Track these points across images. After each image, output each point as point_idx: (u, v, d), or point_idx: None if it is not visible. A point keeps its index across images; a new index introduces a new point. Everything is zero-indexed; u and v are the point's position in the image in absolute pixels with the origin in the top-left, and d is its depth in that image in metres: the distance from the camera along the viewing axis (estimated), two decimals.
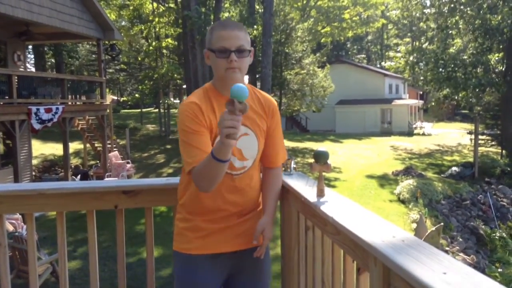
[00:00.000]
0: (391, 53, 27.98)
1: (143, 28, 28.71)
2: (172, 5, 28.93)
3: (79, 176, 15.14)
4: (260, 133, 1.91)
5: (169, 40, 29.28)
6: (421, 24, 26.80)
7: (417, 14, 25.97)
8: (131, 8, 28.98)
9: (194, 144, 1.74)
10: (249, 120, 1.87)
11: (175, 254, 1.97)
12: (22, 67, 14.88)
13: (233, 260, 1.96)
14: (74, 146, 19.78)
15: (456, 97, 23.42)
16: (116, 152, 17.18)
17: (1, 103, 11.04)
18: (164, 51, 31.03)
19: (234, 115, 1.47)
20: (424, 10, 25.30)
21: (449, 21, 22.91)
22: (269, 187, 2.00)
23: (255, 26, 21.90)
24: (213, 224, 1.90)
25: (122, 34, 22.35)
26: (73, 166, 16.54)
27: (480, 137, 20.42)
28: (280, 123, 2.02)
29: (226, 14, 23.52)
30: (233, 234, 1.92)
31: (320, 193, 1.79)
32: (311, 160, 1.83)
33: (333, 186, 15.18)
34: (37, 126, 11.50)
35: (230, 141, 1.50)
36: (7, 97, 11.20)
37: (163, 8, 28.75)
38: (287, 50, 26.14)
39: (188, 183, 1.89)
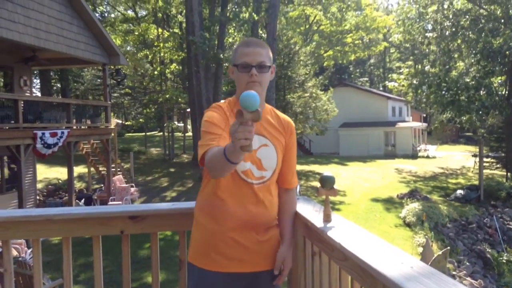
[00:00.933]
0: (394, 75, 28.11)
1: (148, 53, 29.10)
2: (176, 31, 29.40)
3: (83, 200, 15.13)
4: (279, 147, 1.96)
5: (174, 65, 29.62)
6: (423, 47, 27.00)
7: (419, 38, 26.20)
8: (136, 33, 29.44)
9: (212, 130, 1.78)
10: (269, 133, 1.95)
11: (190, 266, 1.95)
12: (28, 91, 15.03)
13: (249, 280, 1.94)
14: (79, 169, 19.82)
15: (460, 120, 23.43)
16: (120, 175, 17.19)
17: (7, 127, 11.12)
18: (169, 75, 31.35)
19: (245, 125, 1.40)
20: (426, 34, 25.54)
21: (451, 45, 23.10)
22: (286, 212, 2.02)
23: None
24: (234, 240, 1.88)
25: (128, 59, 22.64)
26: (77, 190, 16.54)
27: (484, 159, 20.34)
28: (296, 146, 2.08)
29: (230, 40, 23.82)
30: (253, 254, 1.91)
31: (327, 218, 1.79)
32: (316, 183, 1.84)
33: (338, 210, 15.10)
34: (42, 151, 11.55)
35: (244, 152, 1.45)
36: (13, 122, 11.28)
37: (168, 34, 29.20)
38: (290, 74, 26.38)
39: (207, 184, 1.93)
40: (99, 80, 33.59)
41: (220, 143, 1.72)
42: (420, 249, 11.70)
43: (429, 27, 25.64)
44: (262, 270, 1.95)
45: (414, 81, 23.88)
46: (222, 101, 2.01)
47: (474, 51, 21.85)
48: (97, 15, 28.61)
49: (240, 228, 1.88)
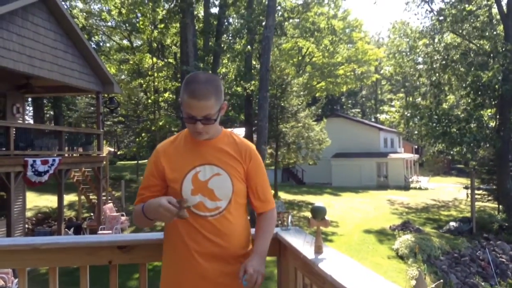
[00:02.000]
0: (386, 107, 28.44)
1: (142, 82, 29.29)
2: (171, 60, 29.69)
3: (72, 229, 14.90)
4: (234, 174, 1.91)
5: (167, 94, 29.78)
6: (414, 79, 27.43)
7: (410, 71, 26.65)
8: (131, 62, 29.68)
9: (143, 184, 1.98)
10: (221, 161, 1.91)
11: None
12: (20, 119, 14.99)
13: None
14: (69, 198, 19.61)
15: (451, 152, 23.60)
16: (111, 204, 17.02)
17: None
18: (162, 104, 31.47)
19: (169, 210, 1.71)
20: (417, 67, 25.99)
21: (441, 78, 23.48)
22: (259, 230, 1.98)
23: (252, 82, 22.36)
24: (199, 275, 1.85)
25: (122, 88, 22.75)
26: (67, 219, 16.31)
27: (476, 191, 20.39)
28: (262, 168, 2.01)
29: (224, 70, 24.07)
30: (212, 286, 1.86)
31: (318, 250, 1.77)
32: (308, 214, 1.83)
33: (331, 241, 14.98)
34: (33, 178, 11.43)
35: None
36: (4, 149, 11.21)
37: (162, 63, 29.48)
38: (283, 104, 26.58)
39: (168, 226, 1.95)
40: (92, 108, 33.65)
41: (144, 200, 1.92)
42: (413, 282, 11.58)
43: (420, 60, 26.14)
44: None
45: (406, 113, 24.15)
46: (171, 138, 2.04)
47: (464, 84, 22.21)
48: (92, 44, 28.92)
49: (201, 262, 1.85)
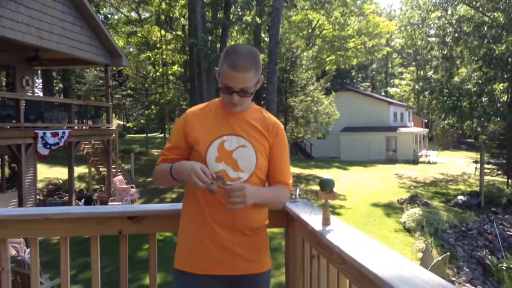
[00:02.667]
0: (396, 81, 28.09)
1: (150, 55, 29.13)
2: (179, 33, 29.45)
3: (83, 200, 15.12)
4: (260, 149, 1.91)
5: (176, 67, 29.65)
6: (425, 52, 27.01)
7: (422, 43, 26.21)
8: (139, 35, 29.48)
9: (169, 146, 1.99)
10: (248, 134, 1.91)
11: (174, 270, 1.96)
12: (30, 91, 15.05)
13: (231, 283, 1.90)
14: (79, 170, 19.83)
15: (461, 126, 23.40)
16: (121, 176, 17.19)
17: (8, 126, 11.13)
18: (171, 77, 31.38)
19: (201, 179, 1.72)
20: (429, 39, 25.54)
21: (453, 51, 23.10)
22: (269, 187, 1.98)
23: (261, 55, 22.18)
24: (214, 243, 1.87)
25: (130, 60, 22.67)
26: (77, 190, 16.54)
27: (485, 166, 20.30)
28: (286, 148, 2.01)
29: (233, 42, 23.84)
30: (234, 256, 1.87)
31: (326, 222, 1.78)
32: (316, 187, 1.83)
33: (338, 214, 15.08)
34: (42, 151, 11.55)
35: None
36: (14, 121, 11.30)
37: (171, 36, 29.26)
38: (292, 77, 26.40)
39: (187, 189, 1.97)
40: (101, 81, 33.64)
41: (167, 161, 1.95)
42: (420, 255, 11.67)
43: (432, 32, 25.66)
44: (245, 274, 1.90)
45: (416, 87, 23.88)
46: (202, 104, 2.04)
47: (476, 58, 21.85)
48: (100, 16, 28.69)
49: (218, 230, 1.86)
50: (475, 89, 21.49)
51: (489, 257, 13.34)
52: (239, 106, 1.89)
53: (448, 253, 11.57)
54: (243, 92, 1.83)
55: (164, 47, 28.19)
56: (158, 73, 29.16)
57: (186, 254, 1.92)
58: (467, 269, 12.10)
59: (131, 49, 33.96)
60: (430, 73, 25.37)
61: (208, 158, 1.87)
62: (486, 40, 21.21)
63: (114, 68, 18.37)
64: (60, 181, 18.43)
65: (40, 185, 17.00)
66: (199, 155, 1.88)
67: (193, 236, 1.90)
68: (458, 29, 22.49)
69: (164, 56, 29.27)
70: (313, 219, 1.85)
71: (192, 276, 1.89)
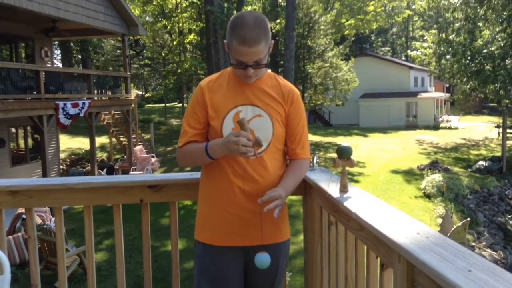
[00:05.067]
0: (417, 44, 27.39)
1: (166, 23, 28.93)
2: (195, 0, 29.06)
3: (105, 170, 15.40)
4: (276, 118, 1.89)
5: (192, 35, 29.43)
6: (447, 15, 26.16)
7: (445, 4, 25.38)
8: (155, 3, 29.23)
9: (190, 122, 1.92)
10: (263, 103, 1.88)
11: (195, 242, 1.98)
12: (49, 63, 15.18)
13: (250, 254, 1.89)
14: (100, 140, 20.12)
15: (484, 90, 22.87)
16: (141, 146, 17.41)
17: (29, 98, 11.30)
18: (188, 46, 31.21)
19: (246, 137, 1.68)
20: (451, 0, 24.71)
21: (476, 12, 22.35)
22: (288, 171, 1.95)
23: (277, 20, 21.80)
24: (231, 214, 1.87)
25: (146, 30, 22.57)
26: (99, 160, 16.83)
27: (508, 130, 19.95)
28: (303, 115, 1.97)
29: (249, 8, 23.48)
30: (251, 227, 1.87)
31: (344, 189, 1.78)
32: (334, 155, 1.82)
33: (357, 181, 15.07)
34: (64, 121, 11.73)
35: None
36: (35, 93, 11.46)
37: (186, 3, 28.94)
38: (309, 43, 25.98)
39: (210, 163, 1.93)
40: (118, 51, 33.68)
41: (197, 139, 1.91)
42: (440, 220, 11.67)
43: None
44: (266, 244, 1.89)
45: (438, 50, 23.28)
46: (215, 74, 1.98)
47: (500, 19, 21.12)
48: None
49: (235, 201, 1.86)
50: (498, 51, 20.88)
51: (511, 222, 13.26)
52: (254, 78, 1.86)
53: (468, 219, 11.53)
54: (257, 65, 1.79)
55: (180, 15, 27.94)
56: (174, 42, 29.01)
57: (208, 226, 1.93)
58: (487, 235, 12.08)
59: (147, 18, 33.77)
60: (452, 36, 24.64)
61: (224, 131, 1.85)
62: (510, 0, 20.43)
63: (131, 38, 18.32)
64: (82, 151, 18.76)
65: (62, 155, 17.35)
66: (215, 129, 1.87)
67: (217, 208, 1.90)
68: None
69: (180, 25, 29.04)
70: (330, 186, 1.86)
71: (213, 248, 1.91)
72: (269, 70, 1.98)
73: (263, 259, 1.74)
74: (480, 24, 22.54)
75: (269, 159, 1.89)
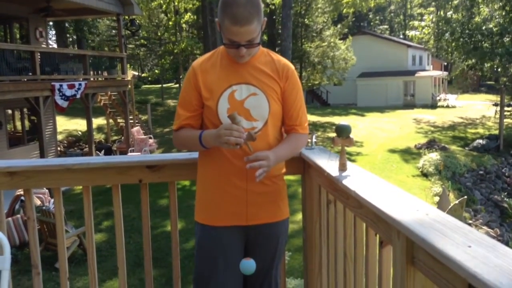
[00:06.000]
0: (416, 23, 27.18)
1: (162, 2, 28.56)
2: None
3: (103, 151, 15.40)
4: (272, 95, 1.85)
5: (188, 15, 29.09)
6: None
7: None
8: None
9: (184, 107, 1.91)
10: (258, 80, 1.85)
11: (195, 223, 1.99)
12: (44, 43, 15.02)
13: (250, 233, 1.92)
14: (98, 121, 20.06)
15: (482, 68, 22.78)
16: (139, 127, 17.38)
17: (25, 79, 11.21)
18: (184, 25, 30.88)
19: (237, 130, 1.67)
20: None
21: None
22: (284, 141, 1.93)
23: None
24: (229, 194, 1.87)
25: (141, 9, 22.31)
26: (96, 142, 16.81)
27: (506, 108, 19.95)
28: (299, 90, 1.94)
29: None
30: (250, 206, 1.85)
31: (342, 167, 1.78)
32: (333, 134, 1.82)
33: (354, 161, 15.11)
34: (62, 103, 11.66)
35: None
36: (30, 74, 11.36)
37: None
38: (307, 22, 25.75)
39: (201, 152, 1.95)
40: (114, 31, 33.32)
41: (190, 122, 1.91)
42: (437, 199, 11.75)
43: None
44: (262, 223, 1.90)
45: (437, 29, 23.09)
46: (207, 54, 1.95)
47: None
48: None
49: (233, 181, 1.85)
50: (497, 28, 20.74)
51: (507, 200, 13.36)
52: (247, 57, 1.81)
53: (465, 197, 11.59)
54: (250, 44, 1.75)
55: None
56: (170, 22, 28.69)
57: (207, 206, 1.94)
58: (484, 212, 12.17)
59: None
60: (450, 13, 24.41)
61: (219, 111, 1.83)
62: None
63: (126, 17, 18.12)
64: (80, 132, 18.72)
65: (60, 137, 17.31)
66: (210, 110, 1.85)
67: (216, 188, 1.90)
68: None
69: (176, 3, 28.68)
70: (329, 165, 1.85)
71: (212, 229, 1.91)
72: (261, 47, 1.92)
73: (248, 265, 1.74)
74: (479, 0, 22.34)
75: (267, 137, 1.87)
